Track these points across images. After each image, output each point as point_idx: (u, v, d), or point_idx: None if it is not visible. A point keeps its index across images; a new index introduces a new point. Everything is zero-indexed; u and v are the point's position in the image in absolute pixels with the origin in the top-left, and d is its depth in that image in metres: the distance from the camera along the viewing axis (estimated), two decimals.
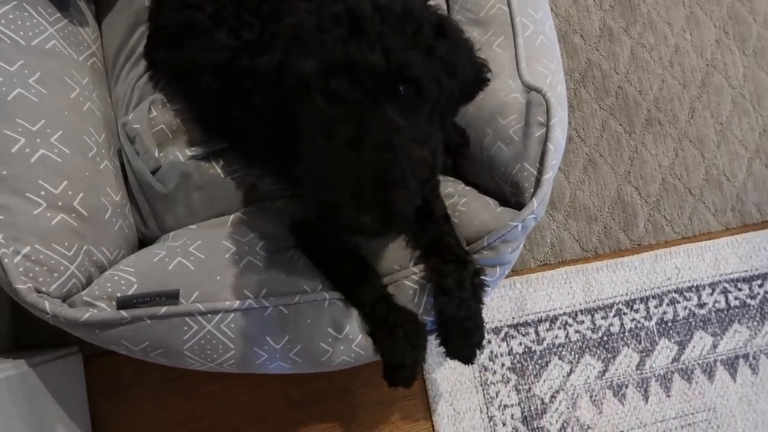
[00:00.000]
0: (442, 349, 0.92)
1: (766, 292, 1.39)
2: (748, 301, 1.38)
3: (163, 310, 0.78)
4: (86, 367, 1.17)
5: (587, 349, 1.31)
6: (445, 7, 1.19)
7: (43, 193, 0.80)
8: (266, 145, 0.89)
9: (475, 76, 0.74)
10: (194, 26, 0.88)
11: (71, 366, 1.14)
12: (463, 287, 0.86)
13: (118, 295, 0.78)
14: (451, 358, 0.91)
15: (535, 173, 0.90)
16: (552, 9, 1.45)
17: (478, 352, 0.92)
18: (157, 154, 0.98)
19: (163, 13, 0.94)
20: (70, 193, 0.83)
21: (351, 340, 0.91)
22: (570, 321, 1.32)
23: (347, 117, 0.55)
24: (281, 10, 0.84)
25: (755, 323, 1.38)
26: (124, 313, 0.76)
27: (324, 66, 0.57)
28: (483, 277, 0.89)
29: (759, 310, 1.38)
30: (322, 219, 0.55)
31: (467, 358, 0.91)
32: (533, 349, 1.30)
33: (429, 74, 0.61)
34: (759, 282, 1.39)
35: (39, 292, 0.75)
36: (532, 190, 0.90)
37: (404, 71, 0.58)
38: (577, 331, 1.32)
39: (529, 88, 0.97)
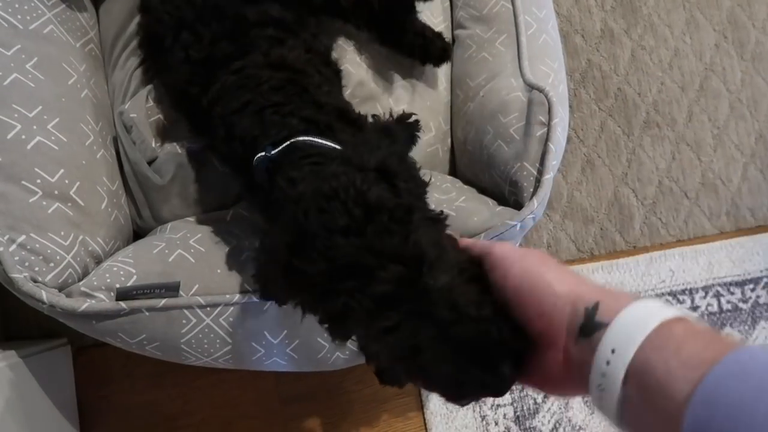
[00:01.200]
0: None
1: (758, 297, 1.40)
2: (740, 305, 1.39)
3: (163, 302, 0.77)
4: (75, 359, 1.16)
5: None
6: (448, 3, 1.19)
7: (39, 181, 0.78)
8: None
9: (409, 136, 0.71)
10: (161, 40, 0.86)
11: (60, 358, 1.12)
12: None
13: (117, 286, 0.77)
14: None
15: (535, 173, 0.90)
16: (554, 8, 1.44)
17: None
18: (153, 145, 0.96)
19: (147, 18, 0.94)
20: (66, 181, 0.82)
21: None
22: None
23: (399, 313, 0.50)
24: (230, 26, 0.83)
25: (746, 327, 1.39)
26: (122, 304, 0.75)
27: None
28: None
29: (750, 314, 1.39)
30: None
31: None
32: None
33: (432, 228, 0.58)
34: (751, 286, 1.40)
35: (35, 281, 0.74)
36: (532, 190, 0.89)
37: (422, 252, 0.52)
38: None
39: (531, 87, 0.97)
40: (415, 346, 0.48)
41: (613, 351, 0.38)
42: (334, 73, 0.94)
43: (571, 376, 0.44)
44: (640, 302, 0.40)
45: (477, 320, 0.48)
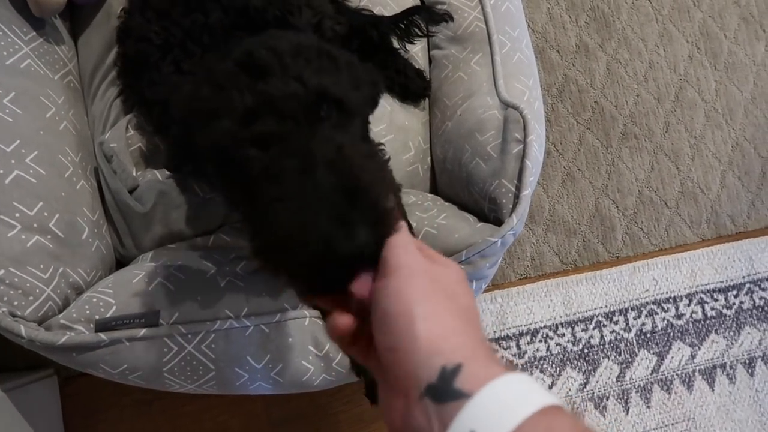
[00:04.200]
0: None
1: (741, 303, 1.42)
2: (724, 311, 1.41)
3: (143, 332, 0.77)
4: (62, 390, 1.15)
5: (568, 362, 1.32)
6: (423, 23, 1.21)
7: (17, 215, 0.79)
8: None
9: (370, 81, 0.71)
10: (146, 59, 0.87)
11: (47, 389, 1.12)
12: None
13: (97, 317, 0.77)
14: None
15: (513, 189, 0.91)
16: (529, 25, 1.47)
17: None
18: (134, 173, 0.97)
19: (127, 43, 0.94)
20: (45, 214, 0.82)
21: (331, 359, 0.90)
22: (551, 334, 1.33)
23: (287, 153, 0.50)
24: (221, 40, 0.84)
25: (731, 333, 1.40)
26: (102, 335, 0.75)
27: (240, 116, 0.52)
28: None
29: (735, 320, 1.41)
30: (316, 268, 0.44)
31: None
32: (515, 362, 1.30)
33: (344, 90, 0.57)
34: (734, 292, 1.42)
35: (14, 316, 0.74)
36: (511, 206, 0.90)
37: (324, 92, 0.54)
38: (558, 344, 1.33)
39: (506, 105, 0.98)
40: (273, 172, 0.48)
41: None
42: None
43: None
44: (513, 376, 0.34)
45: (356, 175, 0.46)
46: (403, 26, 1.14)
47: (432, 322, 0.37)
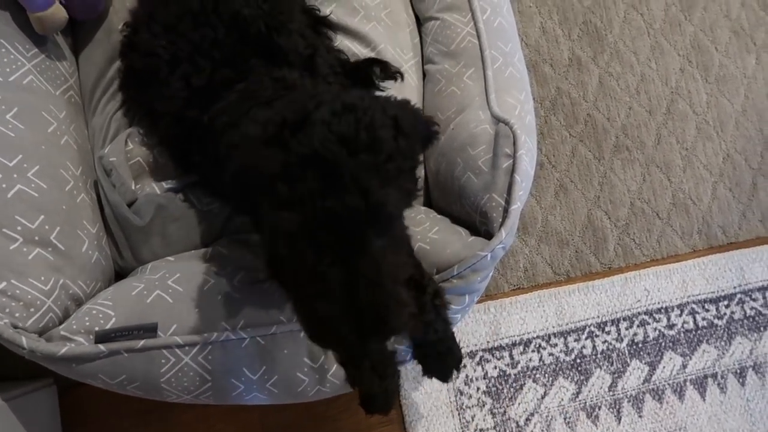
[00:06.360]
0: (418, 371, 0.95)
1: (732, 313, 1.44)
2: (715, 321, 1.42)
3: (141, 343, 0.79)
4: (61, 399, 1.17)
5: (561, 372, 1.34)
6: (418, 39, 1.23)
7: (19, 228, 0.81)
8: (228, 188, 0.90)
9: (426, 136, 0.73)
10: (155, 73, 0.89)
11: (45, 398, 1.13)
12: (425, 310, 0.88)
13: (96, 329, 0.79)
14: (429, 377, 0.93)
15: (503, 204, 0.93)
16: (522, 39, 1.49)
17: (455, 371, 0.95)
18: (133, 187, 0.99)
19: (132, 56, 0.96)
20: (46, 227, 0.84)
21: (326, 370, 0.92)
22: (543, 344, 1.35)
23: (335, 262, 0.57)
24: (230, 56, 0.88)
25: (722, 343, 1.42)
26: (101, 347, 0.77)
27: (308, 223, 0.57)
28: (445, 297, 0.91)
29: (726, 330, 1.42)
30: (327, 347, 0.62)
31: (444, 376, 0.94)
32: (508, 372, 1.32)
33: (401, 199, 0.63)
34: (725, 303, 1.44)
35: (15, 327, 0.76)
36: (500, 221, 0.92)
37: (382, 209, 0.58)
38: (550, 354, 1.34)
39: (497, 120, 1.00)
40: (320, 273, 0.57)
41: None
42: None
43: None
44: None
45: (388, 295, 0.56)
46: (362, 75, 1.14)
47: None
